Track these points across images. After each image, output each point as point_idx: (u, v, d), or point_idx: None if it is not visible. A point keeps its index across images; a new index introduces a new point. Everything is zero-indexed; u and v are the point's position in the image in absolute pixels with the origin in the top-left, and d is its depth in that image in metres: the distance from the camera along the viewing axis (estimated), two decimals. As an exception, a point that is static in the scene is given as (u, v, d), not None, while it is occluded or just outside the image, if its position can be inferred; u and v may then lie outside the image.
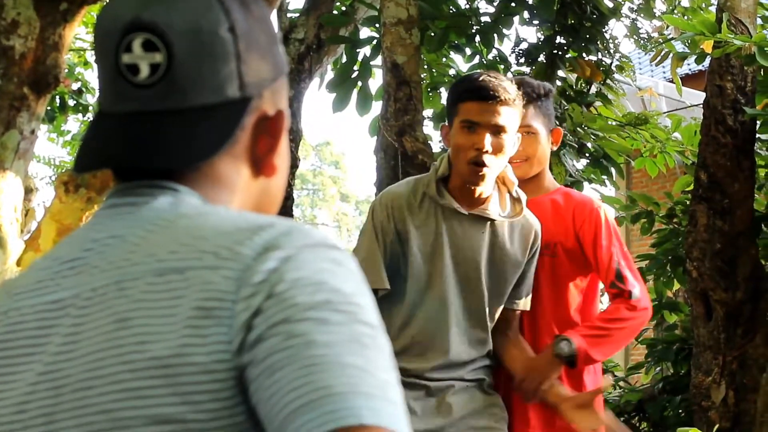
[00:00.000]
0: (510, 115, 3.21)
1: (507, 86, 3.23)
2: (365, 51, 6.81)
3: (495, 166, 3.22)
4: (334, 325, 1.02)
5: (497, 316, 3.40)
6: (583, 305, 3.53)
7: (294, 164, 7.09)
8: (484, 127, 3.18)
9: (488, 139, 3.17)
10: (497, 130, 3.19)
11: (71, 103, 9.91)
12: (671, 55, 6.02)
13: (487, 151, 3.17)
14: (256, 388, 1.02)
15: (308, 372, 0.99)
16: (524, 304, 3.44)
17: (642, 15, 7.11)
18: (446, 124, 3.36)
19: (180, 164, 1.19)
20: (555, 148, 3.66)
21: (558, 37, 6.52)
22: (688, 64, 9.90)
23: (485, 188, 3.27)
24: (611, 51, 6.72)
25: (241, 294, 1.05)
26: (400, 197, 3.33)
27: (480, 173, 3.21)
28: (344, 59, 6.95)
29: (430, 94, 6.93)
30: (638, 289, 3.42)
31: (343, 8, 7.36)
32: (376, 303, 1.08)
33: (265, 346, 1.02)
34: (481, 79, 3.26)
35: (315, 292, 1.04)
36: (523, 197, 3.37)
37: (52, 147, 19.94)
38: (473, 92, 3.23)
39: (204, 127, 1.19)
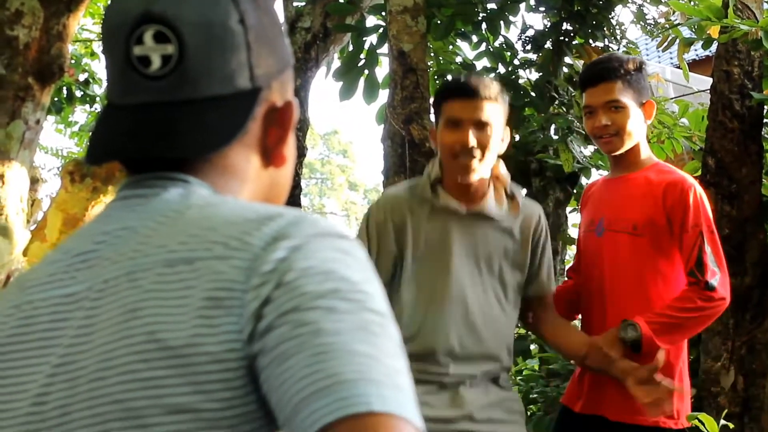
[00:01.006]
0: (493, 110, 3.24)
1: (488, 83, 3.27)
2: (372, 39, 6.81)
3: (483, 160, 3.24)
4: (342, 314, 1.02)
5: (513, 307, 3.43)
6: (672, 284, 3.49)
7: (302, 153, 7.10)
8: (467, 123, 3.22)
9: (472, 135, 3.21)
10: (481, 126, 3.22)
11: (78, 93, 9.92)
12: (678, 40, 6.01)
13: (472, 147, 3.20)
14: (266, 377, 1.02)
15: (318, 360, 0.99)
16: (549, 287, 3.50)
17: (648, 1, 7.10)
18: (434, 127, 3.39)
19: (192, 155, 1.20)
20: (649, 122, 3.61)
21: (564, 23, 6.51)
22: (695, 50, 9.89)
23: (478, 183, 3.30)
24: (618, 37, 6.70)
25: (250, 283, 1.05)
26: (398, 199, 3.35)
27: (468, 167, 3.23)
28: (351, 48, 6.95)
29: (437, 81, 6.93)
30: (717, 279, 3.38)
31: (349, -4, 7.35)
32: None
33: (275, 335, 1.02)
34: (462, 78, 3.31)
35: (324, 281, 1.04)
36: (519, 193, 3.40)
37: (60, 138, 20.00)
38: (455, 91, 3.27)
39: (216, 118, 1.19)
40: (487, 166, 3.27)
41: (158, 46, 1.18)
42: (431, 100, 5.48)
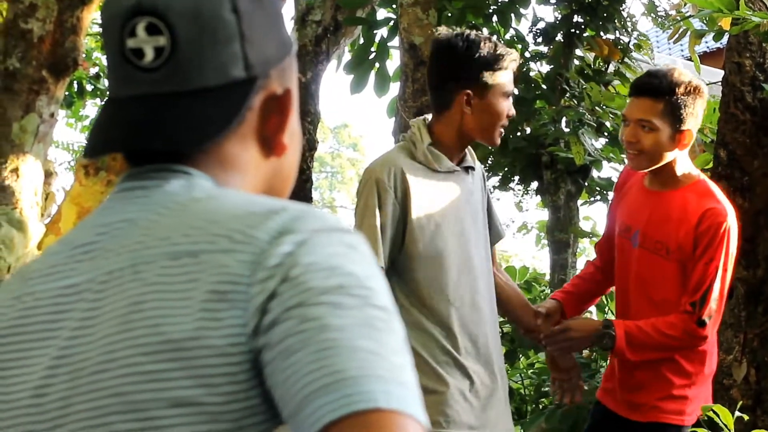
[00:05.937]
0: None
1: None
2: (382, 32, 6.81)
3: None
4: (347, 309, 1.02)
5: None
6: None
7: (312, 147, 7.10)
8: (510, 94, 3.43)
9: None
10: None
11: (89, 87, 9.94)
12: (689, 32, 6.00)
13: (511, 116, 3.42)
14: (271, 371, 1.02)
15: (323, 356, 0.99)
16: (501, 234, 3.64)
17: (660, -8, 7.08)
18: (468, 90, 3.31)
19: (185, 146, 1.20)
20: (680, 151, 3.47)
21: (575, 16, 6.51)
22: (706, 42, 9.86)
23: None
24: (629, 29, 6.70)
25: (256, 277, 1.05)
26: (398, 166, 3.31)
27: (501, 133, 3.44)
28: (361, 41, 6.95)
29: (448, 74, 6.91)
30: (710, 320, 3.38)
31: (360, -11, 7.35)
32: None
33: (280, 330, 1.02)
34: (511, 53, 3.40)
35: (329, 276, 1.05)
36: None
37: (71, 132, 20.02)
38: (508, 62, 3.37)
39: (209, 108, 1.19)
40: None
41: (150, 38, 1.18)
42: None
